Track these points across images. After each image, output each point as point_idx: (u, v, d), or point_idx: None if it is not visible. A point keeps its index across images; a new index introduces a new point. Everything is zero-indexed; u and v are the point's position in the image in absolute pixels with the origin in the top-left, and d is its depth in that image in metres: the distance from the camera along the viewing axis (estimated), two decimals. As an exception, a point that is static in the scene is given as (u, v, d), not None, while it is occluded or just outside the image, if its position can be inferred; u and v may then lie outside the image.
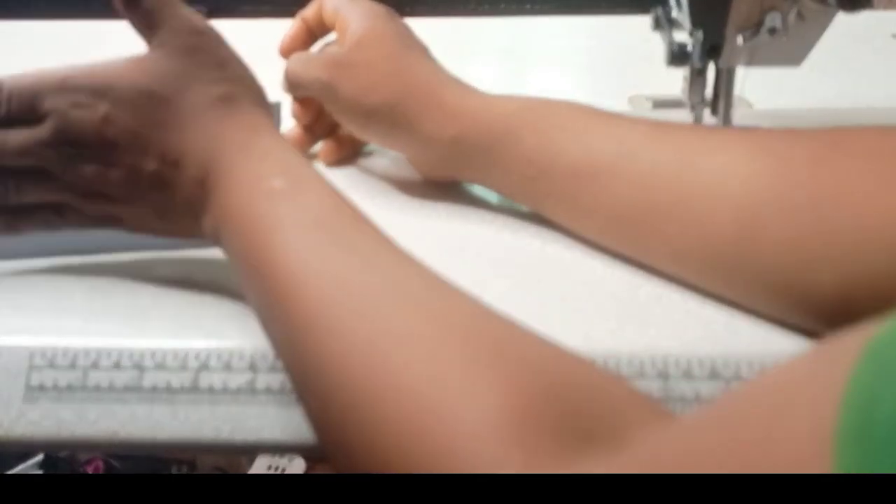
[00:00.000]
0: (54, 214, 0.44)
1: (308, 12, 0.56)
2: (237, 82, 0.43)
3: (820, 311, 0.40)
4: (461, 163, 0.50)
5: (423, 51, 0.52)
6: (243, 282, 0.40)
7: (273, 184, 0.39)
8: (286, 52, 0.56)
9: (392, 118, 0.49)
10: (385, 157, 0.57)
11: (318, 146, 0.58)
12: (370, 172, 0.56)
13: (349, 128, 0.54)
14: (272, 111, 0.45)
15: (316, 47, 0.57)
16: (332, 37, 0.56)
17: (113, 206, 0.43)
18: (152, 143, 0.41)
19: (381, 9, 0.53)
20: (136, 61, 0.42)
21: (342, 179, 0.55)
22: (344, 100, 0.51)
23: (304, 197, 0.39)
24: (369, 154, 0.57)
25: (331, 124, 0.57)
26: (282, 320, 0.36)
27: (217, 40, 0.44)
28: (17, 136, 0.42)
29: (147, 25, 0.43)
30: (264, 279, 0.37)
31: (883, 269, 0.37)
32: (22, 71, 0.43)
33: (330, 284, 0.35)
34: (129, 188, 0.42)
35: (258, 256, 0.38)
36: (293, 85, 0.54)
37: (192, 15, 0.43)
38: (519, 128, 0.47)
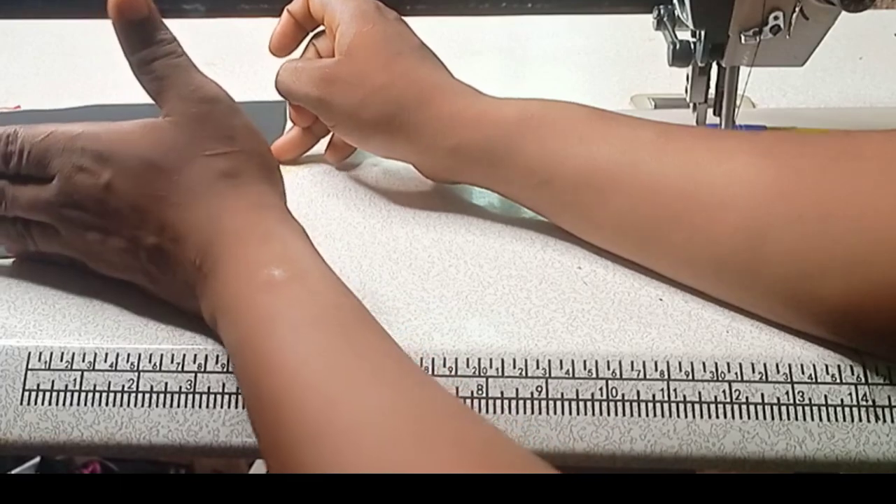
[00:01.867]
0: (69, 265, 0.45)
1: (295, 6, 0.54)
2: (244, 156, 0.41)
3: (826, 320, 0.39)
4: (462, 170, 0.49)
5: (415, 50, 0.50)
6: (237, 374, 0.38)
7: (272, 273, 0.37)
8: (276, 50, 0.54)
9: (390, 131, 0.49)
10: (384, 160, 0.56)
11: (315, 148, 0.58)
12: (369, 174, 0.55)
13: (348, 139, 0.53)
14: (281, 183, 0.43)
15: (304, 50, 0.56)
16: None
17: (116, 271, 0.43)
18: (152, 215, 0.40)
19: (369, 7, 0.50)
20: (145, 128, 0.41)
21: (341, 183, 0.55)
22: (339, 115, 0.50)
23: (303, 291, 0.37)
24: (369, 157, 0.57)
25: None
26: (272, 423, 0.34)
27: (229, 109, 0.42)
28: (27, 192, 0.42)
29: (157, 91, 0.41)
30: (258, 379, 0.35)
31: (889, 278, 0.36)
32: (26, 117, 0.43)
33: (326, 395, 0.32)
34: (129, 258, 0.41)
35: (253, 354, 0.35)
36: (285, 96, 0.53)
37: (204, 82, 0.42)
38: (519, 136, 0.46)
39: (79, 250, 0.43)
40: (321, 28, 0.54)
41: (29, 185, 0.42)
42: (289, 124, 0.57)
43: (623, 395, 0.40)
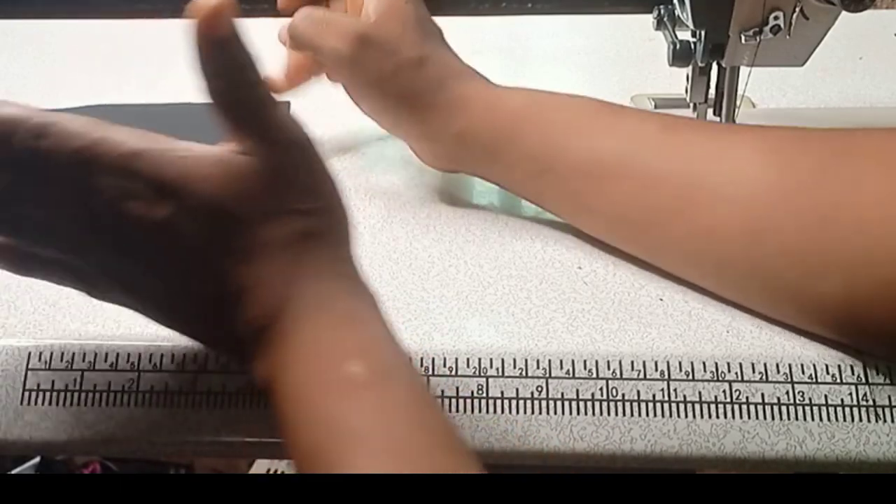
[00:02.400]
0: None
1: None
2: (324, 215, 0.36)
3: (827, 318, 0.39)
4: (466, 157, 0.49)
5: (438, 36, 0.50)
6: (291, 446, 0.33)
7: (351, 369, 0.32)
8: (286, 4, 0.50)
9: (410, 107, 0.48)
10: (384, 155, 0.56)
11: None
12: (370, 174, 0.55)
13: (359, 105, 0.51)
14: (351, 244, 0.38)
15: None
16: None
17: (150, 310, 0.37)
18: (212, 265, 0.34)
19: None
20: (216, 162, 0.34)
21: (341, 183, 0.55)
22: (364, 80, 0.48)
23: (387, 402, 0.32)
24: (369, 152, 0.57)
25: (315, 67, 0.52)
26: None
27: (312, 157, 0.36)
28: (40, 209, 0.34)
29: (236, 124, 0.34)
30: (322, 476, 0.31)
31: (890, 275, 0.36)
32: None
33: None
34: (167, 304, 0.36)
35: (325, 466, 0.31)
36: (301, 46, 0.48)
37: (290, 122, 0.36)
38: (523, 124, 0.46)
39: (97, 286, 0.37)
40: None
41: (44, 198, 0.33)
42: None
43: (623, 395, 0.40)
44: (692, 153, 0.43)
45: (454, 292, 0.45)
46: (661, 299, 0.44)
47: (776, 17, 0.48)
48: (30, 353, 0.42)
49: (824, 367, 0.40)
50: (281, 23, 0.55)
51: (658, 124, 0.45)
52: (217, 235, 0.34)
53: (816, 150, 0.40)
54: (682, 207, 0.42)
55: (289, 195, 0.35)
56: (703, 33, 0.50)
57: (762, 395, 0.40)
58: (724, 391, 0.40)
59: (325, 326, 0.34)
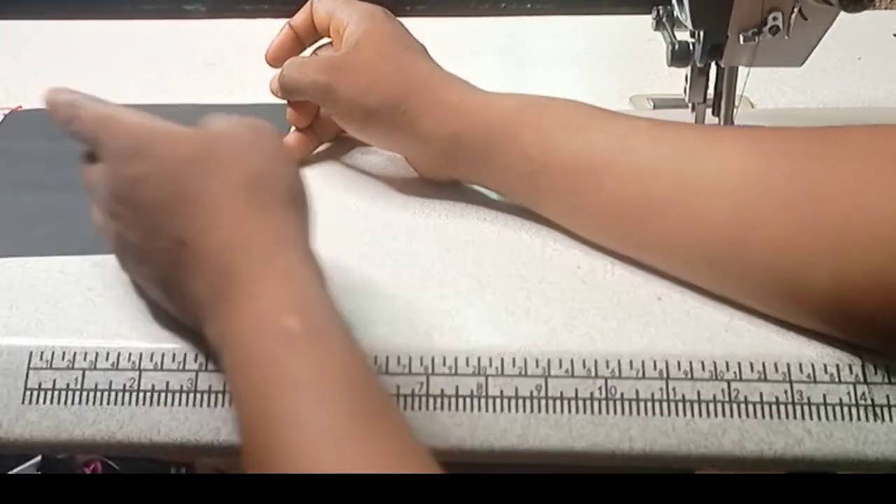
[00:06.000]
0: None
1: (297, 19, 0.54)
2: (275, 179, 0.40)
3: (817, 310, 0.40)
4: (460, 160, 0.49)
5: (420, 50, 0.52)
6: (235, 398, 0.37)
7: (288, 323, 0.35)
8: (274, 60, 0.55)
9: (393, 117, 0.49)
10: (384, 155, 0.56)
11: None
12: (370, 174, 0.55)
13: (348, 129, 0.53)
14: (307, 213, 0.41)
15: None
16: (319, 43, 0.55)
17: (133, 271, 0.43)
18: (176, 220, 0.39)
19: (377, 9, 0.52)
20: (186, 133, 0.40)
21: (342, 182, 0.55)
22: (344, 101, 0.50)
23: (321, 355, 0.35)
24: (369, 152, 0.57)
25: (332, 124, 0.56)
26: (257, 456, 0.34)
27: (273, 135, 0.42)
28: (87, 169, 0.42)
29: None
30: (262, 438, 0.34)
31: (878, 264, 0.37)
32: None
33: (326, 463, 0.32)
34: (145, 258, 0.40)
35: (261, 414, 0.34)
36: (290, 90, 0.53)
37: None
38: (518, 124, 0.47)
39: (108, 238, 0.42)
40: (322, 42, 0.55)
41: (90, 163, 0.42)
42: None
43: (622, 394, 0.40)
44: (682, 147, 0.43)
45: (454, 292, 0.45)
46: (660, 298, 0.44)
47: (775, 18, 0.48)
48: (31, 353, 0.42)
49: (823, 367, 0.40)
50: (281, 23, 0.55)
51: (648, 123, 0.45)
52: (179, 188, 0.38)
53: (802, 145, 0.41)
54: (672, 200, 0.42)
55: (240, 159, 0.40)
56: (701, 34, 0.51)
57: (761, 394, 0.40)
58: (722, 390, 0.40)
59: (268, 284, 0.37)
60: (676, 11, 0.53)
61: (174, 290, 0.40)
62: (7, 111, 0.64)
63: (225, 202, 0.38)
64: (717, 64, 0.52)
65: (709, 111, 0.55)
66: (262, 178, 0.39)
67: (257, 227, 0.38)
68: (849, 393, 0.40)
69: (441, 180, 0.53)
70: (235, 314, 0.36)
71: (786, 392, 0.40)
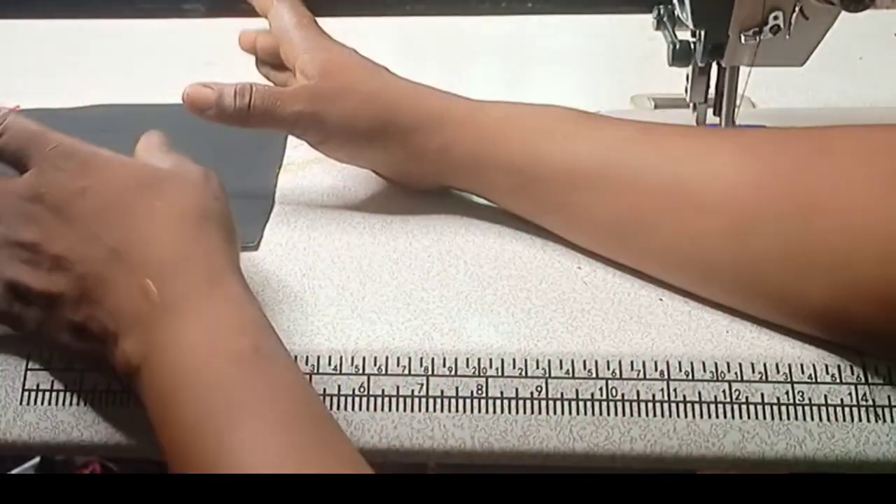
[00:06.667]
0: None
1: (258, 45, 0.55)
2: (216, 218, 0.41)
3: (814, 318, 0.40)
4: (450, 173, 0.49)
5: (385, 70, 0.50)
6: (165, 413, 0.36)
7: (238, 343, 0.36)
8: (247, 44, 0.55)
9: (385, 138, 0.48)
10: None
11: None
12: (369, 174, 0.55)
13: (338, 155, 0.51)
14: (237, 248, 0.42)
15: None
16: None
17: (33, 281, 0.39)
18: (111, 233, 0.38)
19: (325, 36, 0.51)
20: (131, 162, 0.41)
21: (342, 183, 0.55)
22: (334, 128, 0.48)
23: (270, 372, 0.36)
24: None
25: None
26: (197, 466, 0.34)
27: (218, 184, 0.42)
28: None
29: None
30: (201, 443, 0.34)
31: (872, 272, 0.36)
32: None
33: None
34: (60, 268, 0.38)
35: (203, 423, 0.34)
36: (264, 121, 0.49)
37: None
38: (505, 135, 0.47)
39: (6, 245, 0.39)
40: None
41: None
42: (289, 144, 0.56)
43: (623, 395, 0.40)
44: (670, 158, 0.43)
45: (454, 292, 0.45)
46: (661, 299, 0.44)
47: (776, 17, 0.48)
48: (29, 354, 0.42)
49: (824, 367, 0.40)
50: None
51: (635, 129, 0.45)
52: (121, 202, 0.39)
53: (794, 149, 0.41)
54: (664, 213, 0.42)
55: (185, 179, 0.41)
56: (702, 33, 0.50)
57: (762, 395, 0.40)
58: (723, 391, 0.40)
59: (218, 302, 0.37)
60: (677, 11, 0.53)
61: (84, 302, 0.38)
62: (6, 111, 0.64)
63: (170, 222, 0.39)
64: (718, 63, 0.52)
65: (710, 111, 0.55)
66: (206, 211, 0.40)
67: (203, 250, 0.39)
68: (850, 394, 0.40)
69: (433, 189, 0.52)
70: (174, 329, 0.36)
71: (787, 393, 0.40)
